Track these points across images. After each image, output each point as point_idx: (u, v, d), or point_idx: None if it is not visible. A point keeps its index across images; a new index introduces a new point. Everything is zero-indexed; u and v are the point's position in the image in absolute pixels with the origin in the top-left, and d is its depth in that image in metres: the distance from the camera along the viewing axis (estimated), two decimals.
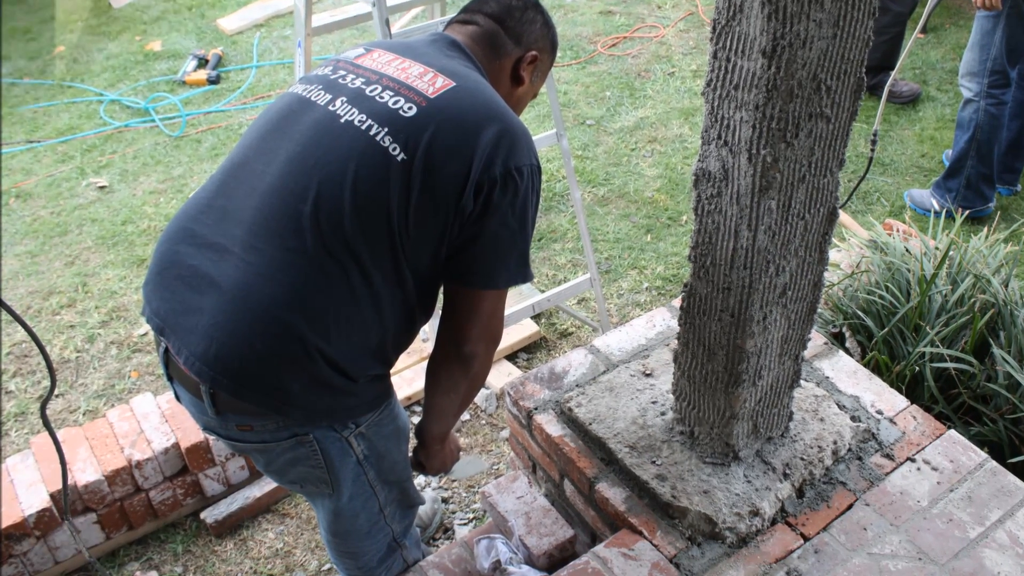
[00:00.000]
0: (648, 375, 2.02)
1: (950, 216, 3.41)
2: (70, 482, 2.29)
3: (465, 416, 2.84)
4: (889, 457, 1.86)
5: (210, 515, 2.47)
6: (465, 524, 2.49)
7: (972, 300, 2.32)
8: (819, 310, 2.04)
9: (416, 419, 2.72)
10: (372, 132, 1.45)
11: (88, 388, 2.99)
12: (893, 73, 2.82)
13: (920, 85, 4.58)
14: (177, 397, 1.62)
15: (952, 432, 1.92)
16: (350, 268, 1.44)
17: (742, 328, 1.56)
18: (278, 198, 1.45)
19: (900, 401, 1.99)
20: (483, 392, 2.87)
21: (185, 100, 4.77)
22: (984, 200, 3.63)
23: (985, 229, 2.75)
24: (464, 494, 2.60)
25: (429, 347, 2.92)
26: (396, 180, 1.43)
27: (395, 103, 1.48)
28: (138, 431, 2.43)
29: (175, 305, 1.49)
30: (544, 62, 1.75)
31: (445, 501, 2.57)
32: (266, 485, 2.54)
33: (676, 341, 1.75)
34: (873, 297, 2.42)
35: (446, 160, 1.44)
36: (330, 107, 1.51)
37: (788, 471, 1.78)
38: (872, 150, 2.52)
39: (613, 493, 1.80)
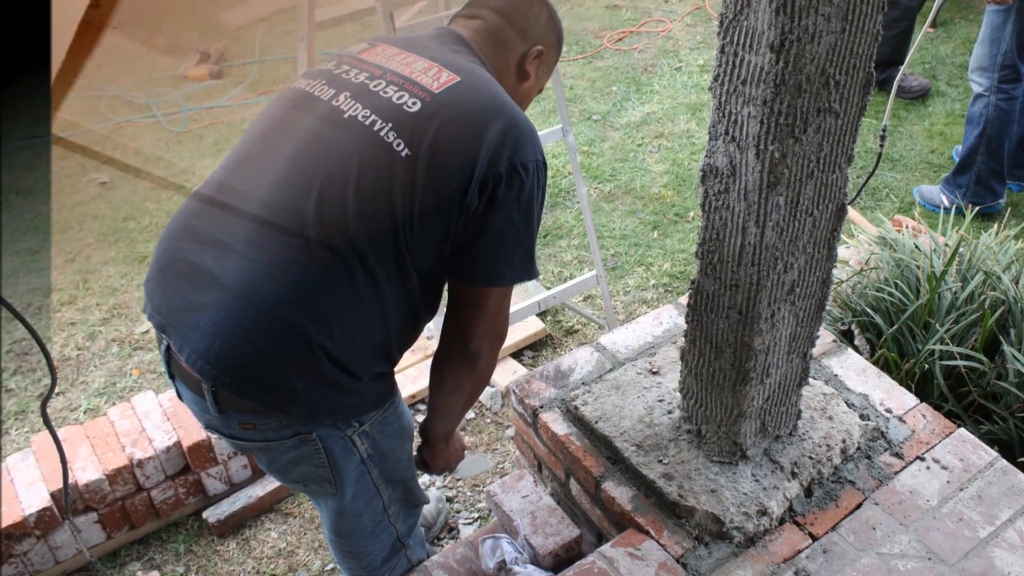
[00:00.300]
0: (655, 373, 2.00)
1: (960, 212, 3.39)
2: (71, 481, 2.28)
3: (470, 414, 2.82)
4: (898, 456, 1.84)
5: (212, 514, 2.46)
6: (470, 523, 2.48)
7: (982, 297, 2.30)
8: (827, 307, 2.02)
9: (420, 417, 2.70)
10: (376, 127, 1.44)
11: (89, 386, 2.98)
12: (902, 68, 2.79)
13: (930, 80, 4.55)
14: (179, 395, 1.61)
15: (962, 431, 1.90)
16: (354, 265, 1.43)
17: (750, 325, 1.55)
18: (281, 195, 1.44)
19: (909, 399, 1.98)
20: (488, 390, 2.86)
21: (187, 95, 4.76)
22: (994, 196, 3.61)
23: (995, 225, 2.74)
24: (469, 493, 2.58)
25: (433, 345, 2.90)
26: (400, 176, 1.41)
27: (399, 98, 1.46)
28: (139, 429, 2.42)
29: (177, 302, 1.48)
30: (550, 57, 1.73)
31: (450, 500, 2.56)
32: (269, 484, 2.53)
33: (683, 339, 1.73)
34: (882, 294, 2.40)
35: (451, 156, 1.42)
36: (333, 102, 1.49)
37: (796, 470, 1.77)
38: (881, 146, 2.49)
39: (619, 492, 1.78)
